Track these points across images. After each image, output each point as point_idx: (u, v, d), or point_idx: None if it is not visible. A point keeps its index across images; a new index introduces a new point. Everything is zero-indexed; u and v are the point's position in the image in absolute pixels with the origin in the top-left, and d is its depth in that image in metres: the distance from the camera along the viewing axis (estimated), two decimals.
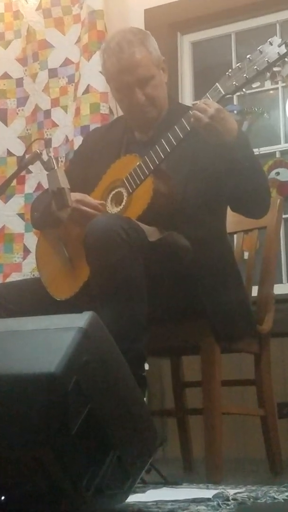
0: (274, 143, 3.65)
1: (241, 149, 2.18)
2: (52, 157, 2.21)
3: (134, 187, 2.27)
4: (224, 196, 2.29)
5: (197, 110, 2.14)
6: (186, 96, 3.79)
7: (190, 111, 2.18)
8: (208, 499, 1.70)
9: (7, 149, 3.80)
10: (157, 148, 2.22)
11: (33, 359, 1.46)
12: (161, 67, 2.39)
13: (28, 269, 3.65)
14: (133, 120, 2.44)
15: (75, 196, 2.26)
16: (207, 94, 2.18)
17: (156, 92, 2.35)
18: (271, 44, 2.11)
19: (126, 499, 1.64)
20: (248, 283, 2.63)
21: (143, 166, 2.25)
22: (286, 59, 2.20)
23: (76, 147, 3.32)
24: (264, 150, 3.64)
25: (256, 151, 3.59)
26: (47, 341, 1.49)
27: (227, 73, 2.16)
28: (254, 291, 2.64)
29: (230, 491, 1.79)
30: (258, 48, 2.12)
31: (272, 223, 2.63)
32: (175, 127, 2.19)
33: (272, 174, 3.60)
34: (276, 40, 2.11)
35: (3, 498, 1.46)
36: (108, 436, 1.51)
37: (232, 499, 1.70)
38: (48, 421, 1.39)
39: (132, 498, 1.72)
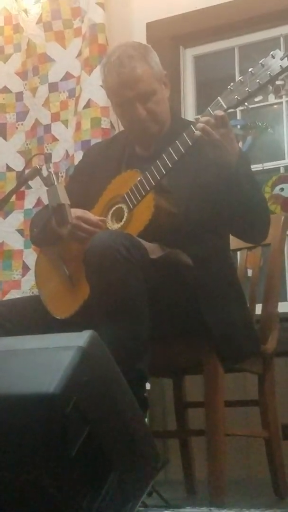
0: (278, 158, 3.66)
1: (242, 172, 2.18)
2: (52, 172, 2.21)
3: (135, 203, 2.27)
4: (226, 214, 2.29)
5: (207, 123, 2.14)
6: (189, 111, 3.81)
7: (192, 126, 2.18)
8: None
9: (6, 164, 3.82)
10: (158, 163, 2.23)
11: (31, 379, 1.45)
12: (163, 81, 2.40)
13: (27, 286, 3.65)
14: (134, 136, 2.44)
15: (75, 212, 2.26)
16: (209, 108, 2.18)
17: (158, 107, 2.36)
18: (273, 57, 2.12)
19: None
20: (251, 301, 2.62)
21: (144, 181, 2.25)
22: None
23: (76, 162, 3.33)
24: (268, 165, 3.65)
25: (259, 166, 3.62)
26: (46, 361, 1.48)
27: (228, 87, 2.17)
28: (258, 309, 2.64)
29: None
30: (260, 61, 2.13)
31: (276, 240, 2.63)
32: (177, 141, 2.20)
33: (276, 189, 3.60)
34: (279, 53, 2.11)
35: None
36: (108, 458, 1.50)
37: None
38: (46, 443, 1.38)
39: None
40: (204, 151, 2.19)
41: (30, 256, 3.58)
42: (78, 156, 3.38)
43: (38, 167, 2.31)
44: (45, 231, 2.38)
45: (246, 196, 2.19)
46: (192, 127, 2.18)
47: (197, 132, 2.15)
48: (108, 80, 2.38)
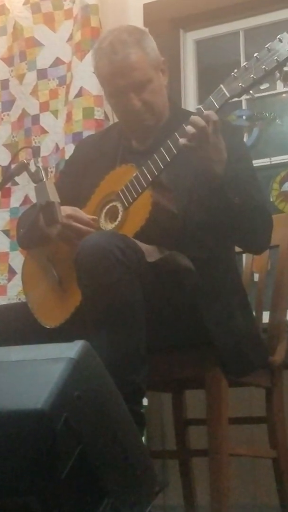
0: (287, 152, 3.66)
1: (230, 182, 2.18)
2: (40, 167, 2.22)
3: (131, 200, 2.28)
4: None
5: (199, 130, 2.13)
6: (189, 100, 3.81)
7: (192, 117, 2.19)
8: None
9: None
10: (156, 157, 2.23)
11: (18, 394, 1.45)
12: (160, 68, 2.40)
13: (13, 292, 3.65)
14: (129, 128, 2.45)
15: (65, 210, 2.27)
16: (210, 97, 2.19)
17: (154, 97, 2.36)
18: (280, 41, 2.12)
19: None
20: (258, 308, 2.63)
21: (140, 177, 2.26)
22: None
23: (67, 156, 3.34)
24: (276, 159, 3.65)
25: (267, 161, 3.62)
26: (34, 374, 1.48)
27: (232, 74, 2.17)
28: (265, 317, 2.64)
29: None
30: (266, 46, 2.13)
31: (284, 242, 2.64)
32: (176, 134, 2.20)
33: (285, 186, 3.61)
34: (286, 36, 2.12)
35: None
36: (102, 481, 1.50)
37: None
38: (34, 464, 1.38)
39: None
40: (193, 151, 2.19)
41: (17, 259, 3.58)
42: (69, 150, 3.38)
43: (26, 161, 2.31)
44: (32, 231, 2.38)
45: (234, 208, 2.20)
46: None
47: (182, 140, 2.15)
48: (100, 68, 2.38)
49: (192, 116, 2.16)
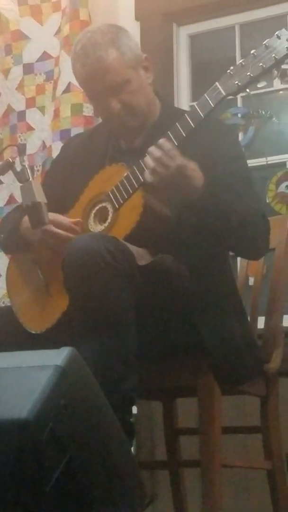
0: (284, 152, 3.67)
1: (209, 207, 2.19)
2: (26, 166, 2.22)
3: (121, 201, 2.28)
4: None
5: (156, 160, 2.13)
6: (183, 97, 3.81)
7: (186, 115, 2.19)
8: None
9: None
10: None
11: (2, 403, 1.45)
12: (142, 66, 2.38)
13: None
14: (113, 130, 2.45)
15: None
16: (205, 95, 2.19)
17: (134, 98, 2.34)
18: (279, 37, 2.12)
19: None
20: (253, 313, 2.63)
21: (131, 177, 2.26)
22: None
23: (54, 154, 3.33)
24: (272, 159, 3.66)
25: (263, 160, 3.63)
26: (19, 382, 1.48)
27: (228, 71, 2.17)
28: (261, 322, 2.65)
29: None
30: (264, 43, 2.13)
31: (281, 245, 2.64)
32: (169, 132, 2.20)
33: (282, 187, 3.61)
34: (285, 33, 2.12)
35: None
36: (89, 493, 1.50)
37: None
38: (18, 476, 1.38)
39: None
40: (199, 147, 2.19)
41: (1, 261, 3.57)
42: (57, 147, 3.37)
43: (11, 160, 2.31)
44: (13, 237, 2.38)
45: (219, 231, 2.22)
46: (186, 116, 2.19)
47: (146, 175, 2.16)
48: (75, 72, 2.39)
49: (149, 148, 2.16)
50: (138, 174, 2.24)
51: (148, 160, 2.16)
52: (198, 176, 2.17)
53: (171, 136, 2.19)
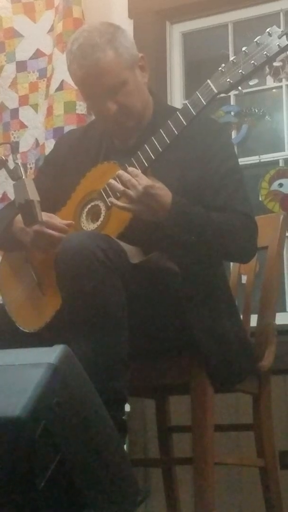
0: (277, 150, 3.68)
1: (179, 223, 2.19)
2: (19, 164, 2.21)
3: None
4: None
5: (124, 182, 2.15)
6: (176, 95, 3.81)
7: (178, 113, 2.19)
8: None
9: None
10: (140, 155, 2.23)
11: None
12: (138, 65, 2.37)
13: None
14: (108, 130, 2.44)
15: None
16: (197, 92, 2.19)
17: (131, 99, 2.33)
18: (270, 35, 2.11)
19: None
20: (246, 311, 2.63)
21: None
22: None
23: (47, 152, 3.34)
24: (265, 158, 3.66)
25: (256, 159, 3.64)
26: (11, 379, 1.49)
27: (219, 69, 2.16)
28: (253, 320, 2.65)
29: None
30: (255, 40, 2.12)
31: (274, 243, 2.64)
32: (161, 130, 2.20)
33: (275, 185, 3.62)
34: (276, 30, 2.11)
35: None
36: (81, 491, 1.51)
37: None
38: (10, 474, 1.38)
39: None
40: (191, 145, 2.19)
41: None
42: (49, 145, 3.38)
43: (4, 158, 2.30)
44: (5, 236, 2.38)
45: (192, 246, 2.23)
46: (178, 114, 2.19)
47: (112, 200, 2.19)
48: (71, 72, 2.36)
49: (117, 172, 2.18)
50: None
51: (116, 184, 2.18)
52: (164, 192, 2.18)
53: (163, 134, 2.19)
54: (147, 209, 2.16)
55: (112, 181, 2.19)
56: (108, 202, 2.22)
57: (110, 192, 2.24)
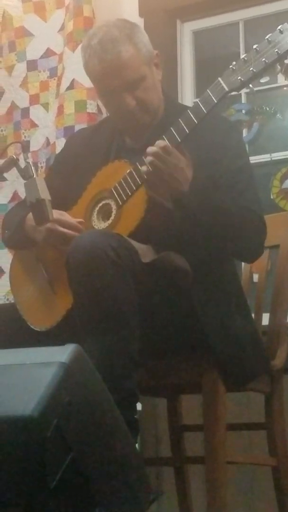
0: None
1: (199, 200, 2.19)
2: (30, 163, 2.21)
3: (125, 198, 2.28)
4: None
5: (155, 156, 2.15)
6: (186, 93, 3.81)
7: (188, 111, 2.19)
8: None
9: None
10: None
11: (6, 400, 1.45)
12: (154, 63, 2.38)
13: (1, 292, 3.64)
14: (123, 127, 2.44)
15: None
16: (208, 90, 2.19)
17: (148, 94, 2.34)
18: (281, 32, 2.11)
19: None
20: (258, 310, 2.63)
21: (134, 174, 2.26)
22: None
23: (58, 151, 3.33)
24: (277, 156, 3.66)
25: (267, 157, 3.63)
26: (23, 379, 1.48)
27: (230, 66, 2.17)
28: (265, 319, 2.64)
29: None
30: (266, 37, 2.12)
31: (286, 241, 2.64)
32: (172, 129, 2.20)
33: (286, 183, 3.61)
34: (287, 27, 2.12)
35: None
36: (93, 490, 1.51)
37: None
38: (22, 473, 1.38)
39: None
40: (202, 143, 2.19)
41: (4, 258, 3.57)
42: (60, 144, 3.38)
43: (15, 157, 2.31)
44: (18, 234, 2.38)
45: (209, 227, 2.22)
46: (189, 112, 2.18)
47: (144, 168, 2.18)
48: (90, 67, 2.36)
49: (148, 148, 2.18)
50: (142, 170, 2.24)
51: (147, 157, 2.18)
52: (187, 174, 2.19)
53: (174, 133, 2.19)
54: (173, 180, 2.16)
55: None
56: (142, 171, 2.22)
57: (122, 192, 2.25)
